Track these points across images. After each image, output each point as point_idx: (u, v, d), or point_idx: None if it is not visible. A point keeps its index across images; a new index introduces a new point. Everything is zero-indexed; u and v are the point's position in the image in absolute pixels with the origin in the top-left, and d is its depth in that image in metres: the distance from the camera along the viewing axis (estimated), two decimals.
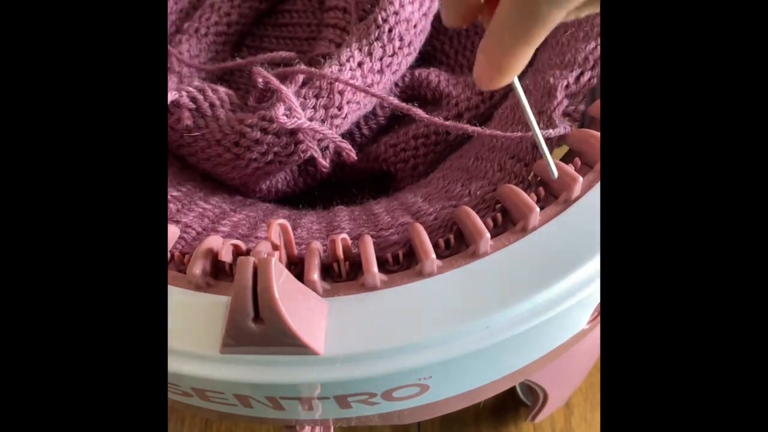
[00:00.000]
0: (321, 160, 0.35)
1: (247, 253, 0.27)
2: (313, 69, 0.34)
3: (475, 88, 0.39)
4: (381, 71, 0.36)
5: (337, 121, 0.35)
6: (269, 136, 0.34)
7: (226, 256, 0.26)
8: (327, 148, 0.37)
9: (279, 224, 0.26)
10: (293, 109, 0.33)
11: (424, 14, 0.38)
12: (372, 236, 0.28)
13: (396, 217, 0.31)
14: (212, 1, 0.47)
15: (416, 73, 0.42)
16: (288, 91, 0.34)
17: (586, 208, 0.28)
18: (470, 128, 0.31)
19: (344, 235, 0.27)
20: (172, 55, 0.43)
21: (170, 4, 0.47)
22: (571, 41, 0.34)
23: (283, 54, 0.40)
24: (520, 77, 0.27)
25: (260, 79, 0.35)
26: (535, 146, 0.31)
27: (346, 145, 0.36)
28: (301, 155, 0.35)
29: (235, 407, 0.28)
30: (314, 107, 0.34)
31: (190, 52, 0.45)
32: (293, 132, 0.34)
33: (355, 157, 0.36)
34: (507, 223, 0.28)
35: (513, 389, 0.51)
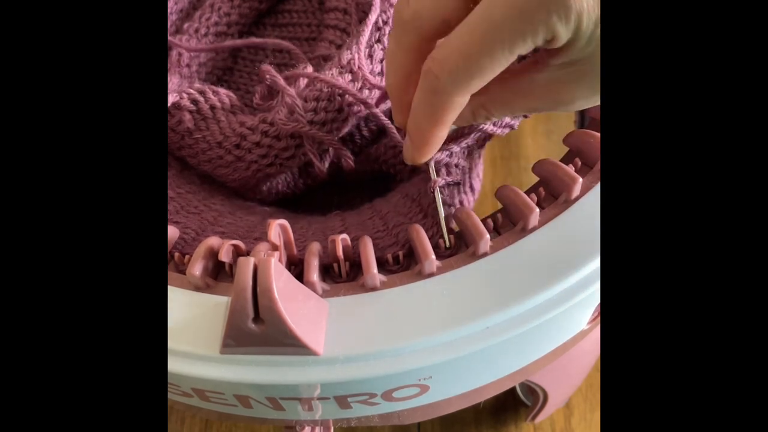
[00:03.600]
0: (319, 165, 0.36)
1: (247, 253, 0.27)
2: (320, 75, 0.34)
3: None
4: (382, 74, 0.36)
5: (337, 124, 0.35)
6: (270, 139, 0.34)
7: (226, 257, 0.26)
8: (327, 151, 0.37)
9: (279, 224, 0.26)
10: (295, 112, 0.33)
11: None
12: (371, 237, 0.28)
13: (393, 218, 0.31)
14: (212, 1, 0.47)
15: None
16: (293, 92, 0.34)
17: (586, 209, 0.28)
18: (466, 128, 0.31)
19: (344, 235, 0.27)
20: (174, 47, 0.43)
21: (170, 4, 0.47)
22: None
23: (289, 45, 0.39)
24: None
25: (267, 77, 0.35)
26: None
27: (345, 152, 0.36)
28: (302, 158, 0.35)
29: (235, 408, 0.28)
30: (315, 110, 0.34)
31: (190, 52, 0.45)
32: (294, 135, 0.34)
33: (353, 165, 0.36)
34: (507, 223, 0.28)
35: (513, 389, 0.51)
